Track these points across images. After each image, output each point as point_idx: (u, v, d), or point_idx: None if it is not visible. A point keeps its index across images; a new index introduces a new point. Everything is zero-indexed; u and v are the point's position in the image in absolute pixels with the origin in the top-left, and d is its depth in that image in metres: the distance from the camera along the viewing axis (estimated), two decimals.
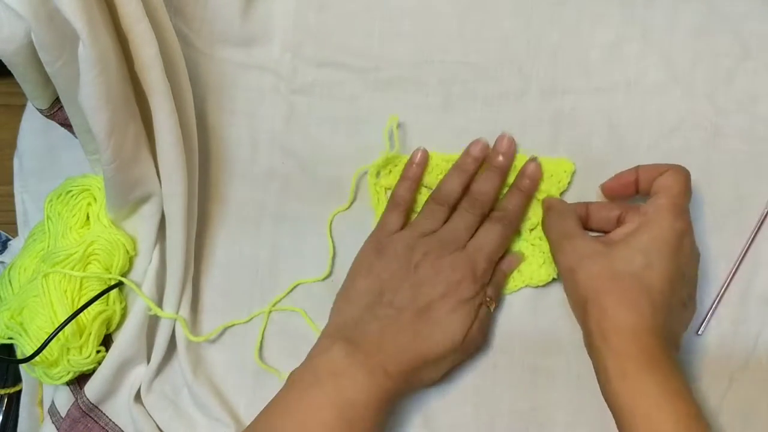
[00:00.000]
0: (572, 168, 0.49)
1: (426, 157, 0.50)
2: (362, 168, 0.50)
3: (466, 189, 0.48)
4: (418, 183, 0.49)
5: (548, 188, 0.49)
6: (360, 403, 0.41)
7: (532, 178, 0.48)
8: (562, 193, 0.49)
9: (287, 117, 0.52)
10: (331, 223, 0.51)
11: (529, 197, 0.48)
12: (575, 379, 0.48)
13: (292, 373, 0.44)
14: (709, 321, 0.48)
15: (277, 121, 0.52)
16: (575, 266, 0.43)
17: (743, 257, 0.48)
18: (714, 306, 0.48)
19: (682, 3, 0.50)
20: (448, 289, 0.44)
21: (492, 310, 0.47)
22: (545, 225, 0.47)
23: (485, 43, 0.51)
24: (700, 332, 0.48)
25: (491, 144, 0.49)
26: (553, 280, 0.49)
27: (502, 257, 0.48)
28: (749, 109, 0.49)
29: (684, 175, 0.44)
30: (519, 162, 0.49)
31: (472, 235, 0.47)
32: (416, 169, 0.49)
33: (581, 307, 0.43)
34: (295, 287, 0.51)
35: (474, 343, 0.46)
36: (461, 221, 0.47)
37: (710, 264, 0.48)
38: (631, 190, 0.46)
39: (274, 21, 0.52)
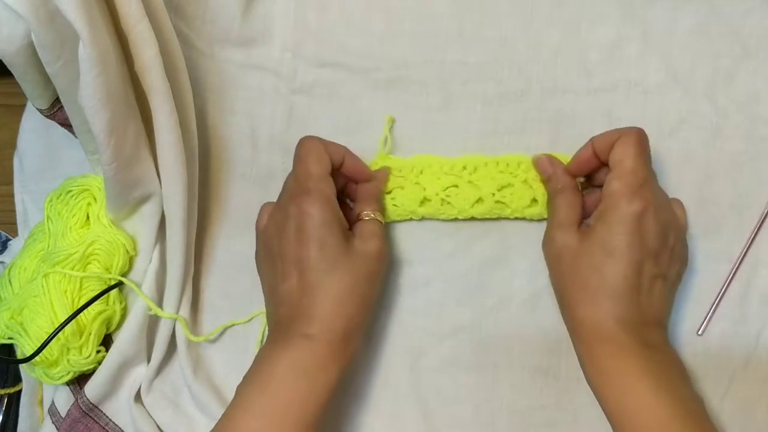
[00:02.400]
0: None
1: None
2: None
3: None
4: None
5: None
6: (283, 369, 0.41)
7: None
8: None
9: (287, 117, 0.52)
10: None
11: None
12: (575, 379, 0.48)
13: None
14: (709, 321, 0.48)
15: (277, 121, 0.52)
16: (555, 261, 0.45)
17: (743, 257, 0.48)
18: (714, 306, 0.48)
19: (682, 3, 0.50)
20: (298, 223, 0.43)
21: (382, 221, 0.46)
22: (548, 202, 0.47)
23: (485, 43, 0.51)
24: (700, 332, 0.48)
25: None
26: None
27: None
28: (749, 109, 0.49)
29: (634, 141, 0.43)
30: (519, 160, 0.49)
31: None
32: None
33: (559, 304, 0.45)
34: None
35: (378, 259, 0.44)
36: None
37: (710, 264, 0.48)
38: (594, 164, 0.46)
39: (274, 21, 0.52)
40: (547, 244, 0.45)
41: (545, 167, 0.47)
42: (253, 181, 0.52)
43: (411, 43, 0.51)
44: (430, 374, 0.49)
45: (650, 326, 0.42)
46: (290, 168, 0.51)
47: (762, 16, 0.50)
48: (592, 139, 0.45)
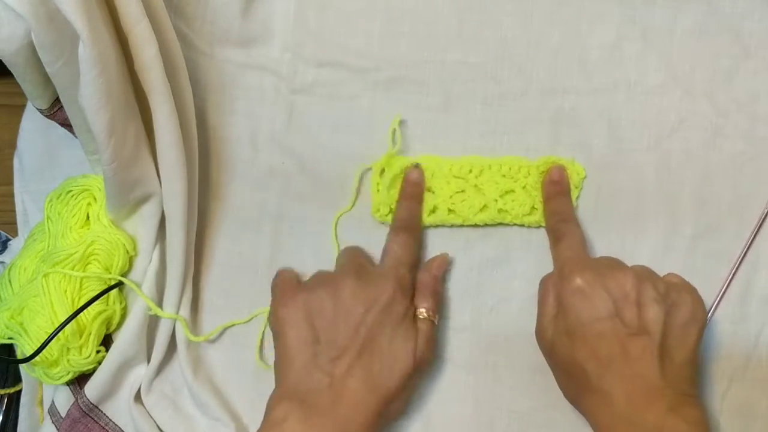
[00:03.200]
0: (583, 173, 0.49)
1: (421, 174, 0.50)
2: (365, 166, 0.50)
3: None
4: (420, 201, 0.49)
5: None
6: None
7: (417, 182, 0.49)
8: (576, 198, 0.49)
9: (287, 117, 0.52)
10: (336, 225, 0.51)
11: (419, 202, 0.49)
12: None
13: None
14: (709, 321, 0.48)
15: (277, 121, 0.52)
16: (568, 265, 0.44)
17: (743, 257, 0.48)
18: (714, 306, 0.48)
19: (682, 3, 0.50)
20: (382, 313, 0.42)
21: (436, 322, 0.45)
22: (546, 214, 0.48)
23: (485, 43, 0.51)
24: None
25: None
26: None
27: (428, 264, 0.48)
28: (749, 109, 0.49)
29: (554, 235, 0.46)
30: (520, 163, 0.49)
31: None
32: (417, 187, 0.49)
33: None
34: None
35: (426, 361, 0.44)
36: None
37: (710, 264, 0.48)
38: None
39: (274, 21, 0.52)
40: (537, 334, 0.45)
41: (557, 178, 0.48)
42: (253, 181, 0.52)
43: (411, 43, 0.51)
44: (430, 374, 0.49)
45: (643, 400, 0.39)
46: (290, 168, 0.52)
47: (762, 16, 0.50)
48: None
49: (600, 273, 0.42)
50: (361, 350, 0.42)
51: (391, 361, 0.42)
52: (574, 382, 0.42)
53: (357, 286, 0.43)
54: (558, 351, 0.43)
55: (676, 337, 0.41)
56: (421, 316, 0.44)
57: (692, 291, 0.43)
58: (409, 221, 0.48)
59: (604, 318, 0.41)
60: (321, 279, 0.45)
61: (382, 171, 0.50)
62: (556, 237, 0.47)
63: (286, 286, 0.45)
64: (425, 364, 0.44)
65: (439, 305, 0.47)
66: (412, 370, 0.43)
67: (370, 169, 0.50)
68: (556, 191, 0.48)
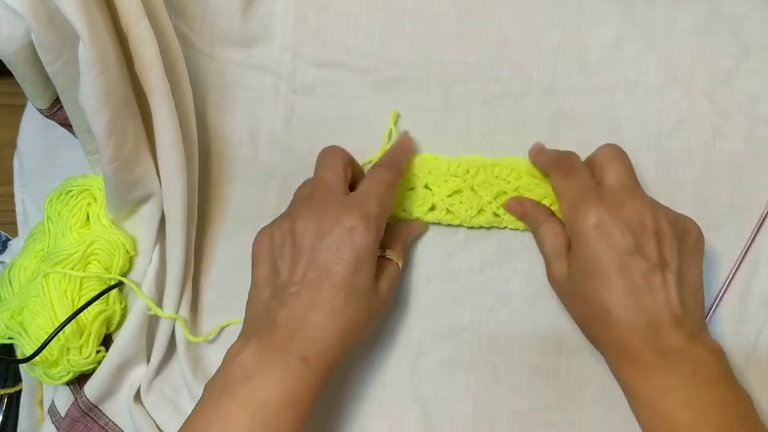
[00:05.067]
0: None
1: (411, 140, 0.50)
2: (366, 161, 0.50)
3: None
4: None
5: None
6: (275, 402, 0.38)
7: (407, 141, 0.49)
8: None
9: (287, 117, 0.52)
10: None
11: (407, 153, 0.49)
12: (575, 379, 0.48)
13: (206, 384, 0.41)
14: (709, 321, 0.48)
15: (277, 121, 0.52)
16: (558, 295, 0.46)
17: (743, 257, 0.48)
18: (714, 306, 0.48)
19: (682, 3, 0.50)
20: (341, 242, 0.40)
21: (400, 266, 0.46)
22: (543, 161, 0.48)
23: (485, 43, 0.51)
24: None
25: None
26: None
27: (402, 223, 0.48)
28: (749, 109, 0.49)
29: (556, 170, 0.45)
30: (512, 165, 0.49)
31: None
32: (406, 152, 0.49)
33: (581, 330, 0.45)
34: None
35: (388, 297, 0.44)
36: (325, 170, 0.45)
37: (710, 264, 0.48)
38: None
39: (274, 21, 0.52)
40: (549, 278, 0.45)
41: (515, 209, 0.48)
42: (253, 181, 0.52)
43: (411, 43, 0.51)
44: (430, 374, 0.49)
45: (667, 328, 0.39)
46: (290, 168, 0.52)
47: (762, 16, 0.50)
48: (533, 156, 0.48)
49: (616, 204, 0.41)
50: (321, 281, 0.40)
51: (352, 293, 0.41)
52: (594, 316, 0.41)
53: (319, 216, 0.42)
54: (575, 288, 0.42)
55: (688, 265, 0.41)
56: (387, 256, 0.45)
57: (690, 218, 0.43)
58: (391, 162, 0.46)
59: (625, 253, 0.40)
60: (288, 210, 0.45)
61: None
62: (562, 171, 0.45)
63: (274, 221, 0.45)
64: (389, 299, 0.44)
65: (405, 258, 0.48)
66: (376, 302, 0.43)
67: (368, 163, 0.51)
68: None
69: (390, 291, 0.45)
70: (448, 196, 0.49)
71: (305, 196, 0.45)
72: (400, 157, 0.48)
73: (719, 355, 0.40)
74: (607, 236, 0.40)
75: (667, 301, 0.40)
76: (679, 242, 0.41)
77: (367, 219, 0.41)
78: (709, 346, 0.40)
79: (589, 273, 0.41)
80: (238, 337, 0.42)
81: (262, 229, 0.45)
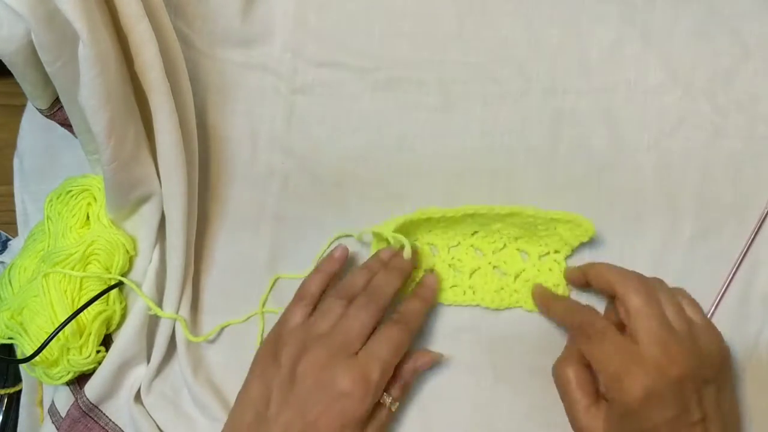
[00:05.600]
0: (593, 231, 0.47)
1: (345, 256, 0.48)
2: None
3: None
4: (330, 278, 0.47)
5: (567, 236, 0.48)
6: None
7: (431, 287, 0.48)
8: (575, 248, 0.48)
9: (287, 117, 0.52)
10: (329, 245, 0.50)
11: (428, 306, 0.47)
12: None
13: None
14: None
15: (277, 121, 0.52)
16: (623, 372, 0.41)
17: (743, 257, 0.48)
18: (714, 306, 0.48)
19: (682, 3, 0.50)
20: (333, 405, 0.41)
21: (394, 411, 0.44)
22: (559, 314, 0.46)
23: (485, 43, 0.51)
24: None
25: None
26: None
27: (407, 355, 0.45)
28: (749, 109, 0.49)
29: (585, 335, 0.43)
30: (512, 211, 0.48)
31: (368, 339, 0.43)
32: (333, 264, 0.47)
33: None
34: (275, 282, 0.50)
35: None
36: (356, 320, 0.43)
37: (710, 264, 0.48)
38: (583, 284, 0.47)
39: (274, 21, 0.52)
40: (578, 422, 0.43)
41: (562, 318, 0.47)
42: (253, 181, 0.52)
43: (411, 43, 0.51)
44: (430, 374, 0.49)
45: None
46: (290, 168, 0.52)
47: (762, 16, 0.50)
48: (587, 267, 0.46)
49: (658, 367, 0.40)
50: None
51: None
52: None
53: (322, 369, 0.42)
54: None
55: (725, 404, 0.42)
56: (381, 401, 0.43)
57: (716, 341, 0.43)
58: (406, 318, 0.45)
59: (673, 420, 0.40)
60: (301, 336, 0.44)
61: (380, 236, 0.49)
62: (588, 336, 0.43)
63: (280, 326, 0.45)
64: None
65: (406, 394, 0.47)
66: None
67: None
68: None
69: None
70: (471, 276, 0.49)
71: (320, 335, 0.43)
72: (418, 312, 0.46)
73: None
74: (657, 406, 0.40)
75: (719, 416, 0.40)
76: (717, 391, 0.42)
77: (366, 387, 0.41)
78: None
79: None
80: None
81: (270, 337, 0.45)
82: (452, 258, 0.49)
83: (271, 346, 0.44)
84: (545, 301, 0.48)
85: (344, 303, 0.44)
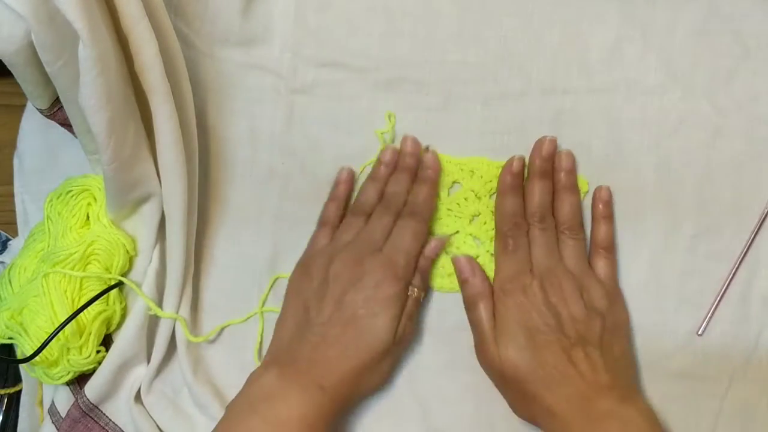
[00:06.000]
0: (586, 187, 0.49)
1: (352, 176, 0.51)
2: (368, 162, 0.51)
3: (381, 195, 0.49)
4: (345, 202, 0.50)
5: None
6: (294, 420, 0.41)
7: (432, 166, 0.49)
8: None
9: (287, 117, 0.52)
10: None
11: (434, 185, 0.49)
12: None
13: (229, 404, 0.44)
14: (709, 321, 0.48)
15: (277, 121, 0.52)
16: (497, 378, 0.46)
17: (743, 257, 0.48)
18: (714, 306, 0.48)
19: (682, 3, 0.50)
20: (368, 292, 0.45)
21: (421, 299, 0.48)
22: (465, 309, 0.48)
23: (485, 43, 0.51)
24: (700, 332, 0.48)
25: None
26: None
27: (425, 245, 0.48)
28: (749, 109, 0.49)
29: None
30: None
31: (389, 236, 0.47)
32: (343, 188, 0.50)
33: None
34: (275, 282, 0.51)
35: (406, 338, 0.47)
36: (377, 224, 0.47)
37: (710, 264, 0.48)
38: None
39: (274, 21, 0.52)
40: (485, 359, 0.46)
41: (464, 270, 0.48)
42: (253, 181, 0.52)
43: (411, 43, 0.51)
44: (430, 374, 0.49)
45: (595, 395, 0.42)
46: (290, 168, 0.52)
47: (762, 16, 0.50)
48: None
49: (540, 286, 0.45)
50: (345, 324, 0.44)
51: (370, 337, 0.44)
52: (526, 390, 0.43)
53: (354, 265, 0.45)
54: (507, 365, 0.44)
55: (610, 340, 0.45)
56: (409, 293, 0.46)
57: (617, 297, 0.47)
58: (415, 210, 0.48)
59: (549, 332, 0.44)
60: (327, 251, 0.47)
61: None
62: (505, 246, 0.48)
63: (307, 251, 0.49)
64: (406, 340, 0.47)
65: (427, 281, 0.49)
66: (390, 345, 0.45)
67: (369, 164, 0.51)
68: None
69: (409, 334, 0.47)
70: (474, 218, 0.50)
71: (346, 243, 0.47)
72: (427, 197, 0.49)
73: (649, 414, 0.42)
74: (524, 315, 0.45)
75: (595, 370, 0.43)
76: (600, 324, 0.44)
77: (394, 272, 0.45)
78: (639, 406, 0.42)
79: (517, 348, 0.44)
80: (261, 364, 0.46)
81: (299, 263, 0.49)
82: (450, 246, 0.50)
83: (302, 268, 0.48)
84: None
85: (362, 218, 0.48)
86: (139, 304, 0.48)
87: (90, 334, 0.47)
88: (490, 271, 0.49)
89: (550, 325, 0.44)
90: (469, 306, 0.47)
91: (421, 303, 0.48)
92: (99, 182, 0.49)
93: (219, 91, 0.52)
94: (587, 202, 0.49)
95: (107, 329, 0.49)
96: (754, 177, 0.49)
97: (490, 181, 0.50)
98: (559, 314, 0.44)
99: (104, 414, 0.48)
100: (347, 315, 0.44)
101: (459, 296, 0.49)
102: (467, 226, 0.50)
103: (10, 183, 0.54)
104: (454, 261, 0.49)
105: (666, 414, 0.46)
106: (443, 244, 0.49)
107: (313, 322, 0.45)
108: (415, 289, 0.47)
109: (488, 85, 0.51)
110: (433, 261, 0.49)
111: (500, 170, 0.49)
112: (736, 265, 0.48)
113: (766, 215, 0.48)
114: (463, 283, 0.48)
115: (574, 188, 0.48)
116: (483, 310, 0.46)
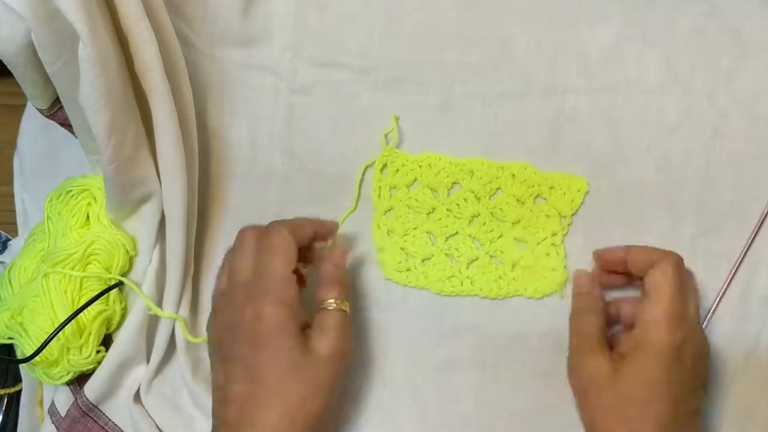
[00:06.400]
0: (586, 187, 0.49)
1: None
2: (369, 161, 0.51)
3: None
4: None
5: (561, 207, 0.49)
6: None
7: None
8: (573, 214, 0.49)
9: (287, 117, 0.52)
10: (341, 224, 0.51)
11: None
12: None
13: None
14: (709, 321, 0.48)
15: (277, 121, 0.52)
16: (584, 390, 0.43)
17: (743, 257, 0.48)
18: (714, 306, 0.48)
19: (682, 3, 0.50)
20: (250, 328, 0.40)
21: (348, 311, 0.43)
22: (571, 318, 0.47)
23: (485, 42, 0.51)
24: None
25: None
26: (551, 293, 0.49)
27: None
28: (749, 109, 0.49)
29: (674, 268, 0.43)
30: (515, 168, 0.50)
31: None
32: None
33: (588, 430, 0.43)
34: None
35: (346, 355, 0.42)
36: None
37: (710, 264, 0.48)
38: (620, 267, 0.46)
39: (274, 21, 0.52)
40: (577, 369, 0.44)
41: (583, 284, 0.47)
42: (253, 181, 0.52)
43: (411, 43, 0.51)
44: (430, 374, 0.49)
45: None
46: (290, 168, 0.52)
47: (762, 16, 0.50)
48: (628, 248, 0.45)
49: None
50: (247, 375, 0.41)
51: (301, 398, 0.40)
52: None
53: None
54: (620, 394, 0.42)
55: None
56: (330, 308, 0.42)
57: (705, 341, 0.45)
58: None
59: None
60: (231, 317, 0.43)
61: (383, 168, 0.50)
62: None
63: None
64: (346, 358, 0.42)
65: (348, 293, 0.44)
66: (318, 368, 0.40)
67: (372, 164, 0.51)
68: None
69: (340, 348, 0.41)
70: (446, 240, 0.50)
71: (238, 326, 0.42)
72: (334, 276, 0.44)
73: None
74: (681, 363, 0.41)
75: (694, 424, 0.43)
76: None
77: (266, 294, 0.41)
78: None
79: (648, 385, 0.41)
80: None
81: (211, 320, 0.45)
82: (449, 248, 0.50)
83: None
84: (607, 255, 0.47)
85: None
86: (139, 304, 0.48)
87: (90, 334, 0.47)
88: (489, 273, 0.49)
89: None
90: (575, 313, 0.46)
91: (348, 314, 0.43)
92: (99, 182, 0.49)
93: (219, 91, 0.52)
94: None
95: (107, 329, 0.49)
96: (754, 177, 0.49)
97: (490, 182, 0.50)
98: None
99: (104, 414, 0.48)
100: (246, 368, 0.40)
101: (458, 298, 0.50)
102: (466, 227, 0.50)
103: (10, 183, 0.54)
104: (575, 277, 0.47)
105: None
106: (347, 251, 0.46)
107: (227, 382, 0.41)
108: (337, 301, 0.42)
109: (488, 85, 0.51)
110: (343, 269, 0.45)
111: (500, 170, 0.49)
112: (736, 265, 0.48)
113: (766, 215, 0.49)
114: (577, 295, 0.47)
115: None
116: (589, 322, 0.45)
